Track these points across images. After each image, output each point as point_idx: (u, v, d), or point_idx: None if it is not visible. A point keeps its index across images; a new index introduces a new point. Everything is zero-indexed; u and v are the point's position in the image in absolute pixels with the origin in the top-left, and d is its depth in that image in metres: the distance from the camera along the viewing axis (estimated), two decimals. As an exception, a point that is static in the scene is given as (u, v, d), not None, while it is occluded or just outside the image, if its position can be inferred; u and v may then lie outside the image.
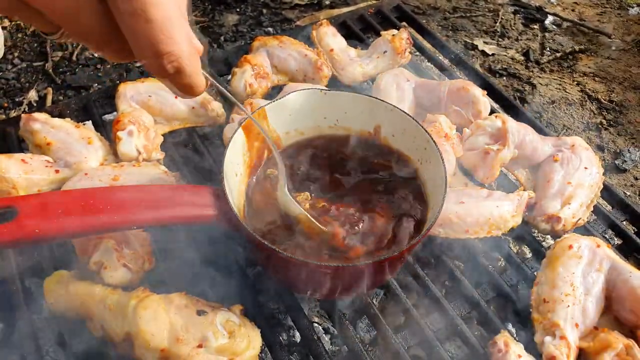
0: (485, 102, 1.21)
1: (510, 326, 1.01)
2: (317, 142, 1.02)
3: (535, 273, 0.98)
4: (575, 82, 1.79)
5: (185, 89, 0.54)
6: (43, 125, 1.09)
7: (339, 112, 0.99)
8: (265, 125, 0.94)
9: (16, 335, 0.90)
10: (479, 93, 1.20)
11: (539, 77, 1.81)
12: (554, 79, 1.80)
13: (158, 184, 1.00)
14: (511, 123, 1.13)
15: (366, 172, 1.00)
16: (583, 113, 1.69)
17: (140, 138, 1.07)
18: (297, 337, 0.98)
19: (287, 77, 1.32)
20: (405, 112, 0.95)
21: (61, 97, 1.63)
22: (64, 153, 1.06)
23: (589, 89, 1.76)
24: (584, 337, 0.88)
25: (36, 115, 1.10)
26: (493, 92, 1.32)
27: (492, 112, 1.23)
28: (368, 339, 1.01)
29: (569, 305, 0.89)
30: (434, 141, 0.90)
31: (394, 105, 0.97)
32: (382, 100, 0.98)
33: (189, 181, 1.08)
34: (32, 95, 1.61)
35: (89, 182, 1.00)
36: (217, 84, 0.69)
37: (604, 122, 1.66)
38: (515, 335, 0.96)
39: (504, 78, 1.80)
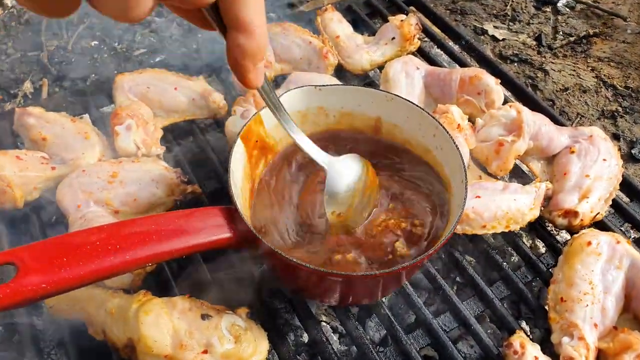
0: (499, 91, 1.15)
1: (524, 324, 0.98)
2: (318, 141, 0.97)
3: (551, 270, 0.95)
4: (590, 68, 1.73)
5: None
6: (37, 120, 1.05)
7: (336, 107, 0.94)
8: (263, 131, 0.88)
9: (16, 339, 0.88)
10: (492, 82, 1.15)
11: (552, 62, 1.74)
12: (568, 65, 1.74)
13: (159, 181, 0.96)
14: (526, 113, 1.08)
15: (373, 167, 0.95)
16: (598, 100, 1.63)
17: (139, 132, 1.03)
18: (305, 337, 0.95)
19: (291, 65, 1.26)
20: (406, 99, 0.90)
21: (57, 89, 1.58)
22: (60, 149, 1.02)
23: (604, 75, 1.70)
24: (603, 337, 0.85)
25: (30, 109, 1.06)
26: (505, 80, 1.27)
27: (505, 101, 1.18)
28: (378, 339, 0.98)
29: (587, 305, 0.85)
30: (442, 125, 0.85)
31: (394, 94, 0.92)
32: (381, 90, 0.93)
33: (190, 178, 1.03)
34: (28, 86, 1.56)
35: (87, 179, 0.96)
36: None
37: (620, 109, 1.60)
38: (528, 334, 0.93)
39: (515, 64, 1.74)
